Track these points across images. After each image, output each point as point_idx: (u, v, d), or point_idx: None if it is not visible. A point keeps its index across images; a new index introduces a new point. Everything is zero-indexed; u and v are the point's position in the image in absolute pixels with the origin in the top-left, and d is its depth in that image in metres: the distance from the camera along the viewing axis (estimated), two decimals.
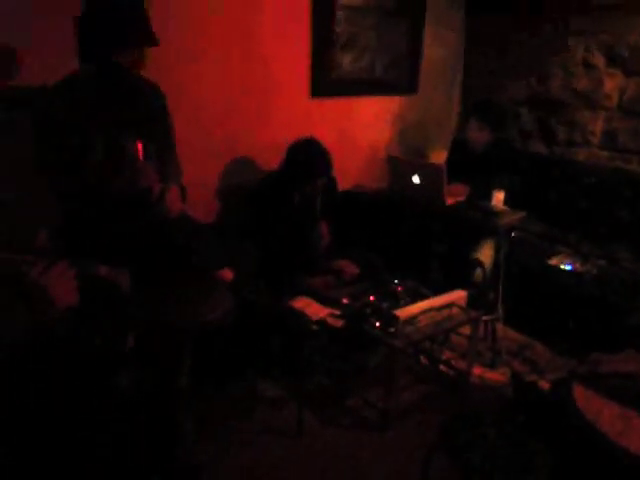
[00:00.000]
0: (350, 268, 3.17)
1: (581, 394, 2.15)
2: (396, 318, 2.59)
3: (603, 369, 2.21)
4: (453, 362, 3.22)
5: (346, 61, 3.86)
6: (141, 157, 2.08)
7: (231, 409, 2.77)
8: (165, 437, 2.00)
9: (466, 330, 3.08)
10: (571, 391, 2.16)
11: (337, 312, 2.74)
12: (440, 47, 4.40)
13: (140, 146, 2.12)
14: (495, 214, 3.21)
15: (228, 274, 2.25)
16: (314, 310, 2.71)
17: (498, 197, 3.26)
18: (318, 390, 2.97)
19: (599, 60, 3.85)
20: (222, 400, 2.78)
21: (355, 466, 2.51)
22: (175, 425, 2.07)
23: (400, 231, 3.57)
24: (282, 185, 3.06)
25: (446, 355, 3.31)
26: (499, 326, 3.45)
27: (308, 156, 2.99)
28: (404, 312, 2.64)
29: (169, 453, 2.12)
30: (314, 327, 2.62)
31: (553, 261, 3.51)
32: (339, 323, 2.67)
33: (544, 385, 2.95)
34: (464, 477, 1.91)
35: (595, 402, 2.10)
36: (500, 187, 3.30)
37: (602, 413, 2.04)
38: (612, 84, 3.80)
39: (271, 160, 3.28)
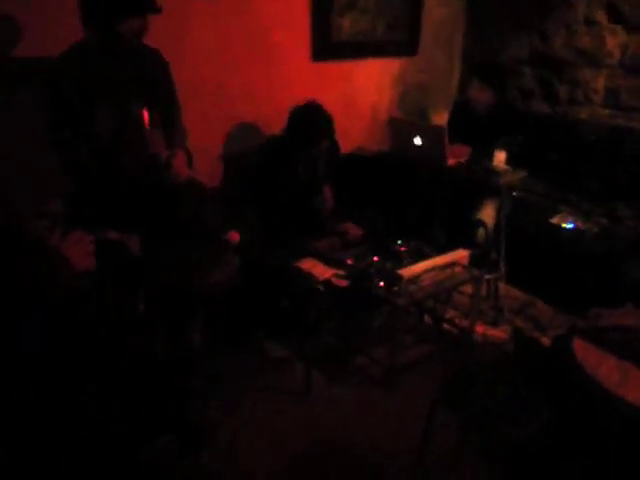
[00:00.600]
0: (354, 230, 3.22)
1: (581, 347, 2.20)
2: (399, 277, 2.63)
3: (602, 323, 2.26)
4: (456, 320, 3.27)
5: (346, 24, 3.83)
6: (147, 124, 2.10)
7: (241, 368, 2.84)
8: (178, 395, 2.07)
9: (469, 289, 3.13)
10: (571, 345, 2.21)
11: (342, 272, 2.78)
12: (441, 7, 4.36)
13: (146, 113, 2.14)
14: (496, 173, 3.23)
15: (235, 236, 2.30)
16: (319, 271, 2.75)
17: (499, 157, 3.27)
18: (324, 349, 3.04)
19: (601, 17, 3.81)
20: (232, 360, 2.84)
21: (362, 422, 2.59)
22: (188, 383, 2.14)
23: (403, 192, 3.59)
24: (285, 150, 3.08)
25: (449, 314, 3.36)
26: (501, 285, 3.50)
27: (310, 119, 3.00)
28: (407, 271, 2.68)
29: (182, 411, 2.20)
30: (320, 287, 2.67)
31: (555, 220, 3.53)
32: (344, 283, 2.72)
33: (545, 342, 3.01)
34: (464, 429, 1.98)
35: (594, 355, 2.16)
36: (502, 147, 3.31)
37: (601, 365, 2.09)
38: (614, 41, 3.77)
39: (274, 125, 3.30)
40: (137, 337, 1.85)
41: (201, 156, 2.99)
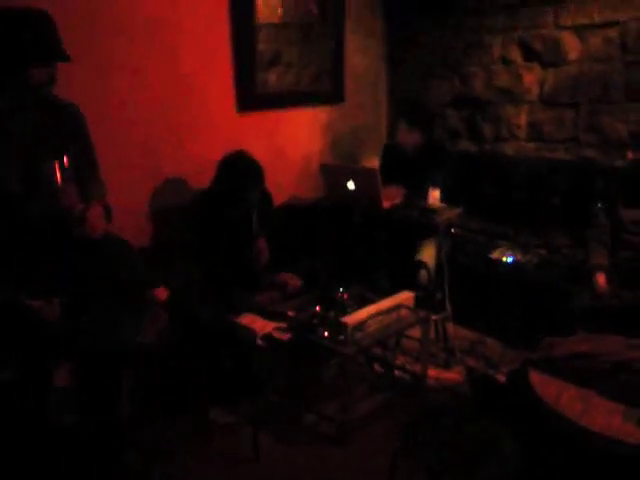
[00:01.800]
0: (293, 281, 3.10)
1: (538, 380, 2.12)
2: (344, 325, 2.51)
3: (556, 353, 2.20)
4: (407, 366, 3.15)
5: (271, 77, 3.85)
6: (60, 178, 1.95)
7: (185, 437, 2.60)
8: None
9: (417, 333, 3.03)
10: (527, 378, 2.13)
11: (283, 325, 2.64)
12: (363, 55, 4.44)
13: (57, 166, 1.99)
14: (433, 211, 3.20)
15: (162, 293, 2.13)
16: (260, 326, 2.60)
17: (434, 195, 3.25)
18: (272, 409, 2.85)
19: (516, 56, 3.93)
20: (174, 429, 2.61)
21: None
22: (118, 457, 1.92)
23: (341, 239, 3.51)
24: (215, 202, 2.97)
25: (399, 360, 3.24)
26: (449, 325, 3.42)
27: (238, 168, 2.92)
28: (352, 318, 2.56)
29: None
30: (260, 342, 2.51)
31: (494, 255, 3.52)
32: (286, 336, 2.57)
33: (501, 378, 2.92)
34: (429, 475, 1.84)
35: (553, 386, 2.08)
36: (435, 185, 3.29)
37: (561, 396, 2.02)
38: (531, 77, 3.89)
39: (202, 179, 3.18)
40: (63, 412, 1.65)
41: (127, 214, 2.88)
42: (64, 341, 1.79)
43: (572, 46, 3.63)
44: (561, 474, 1.90)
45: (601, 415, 1.90)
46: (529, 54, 3.86)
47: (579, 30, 3.59)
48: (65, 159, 1.97)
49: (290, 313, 2.76)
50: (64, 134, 2.10)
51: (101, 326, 1.85)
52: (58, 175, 1.95)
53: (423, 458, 1.79)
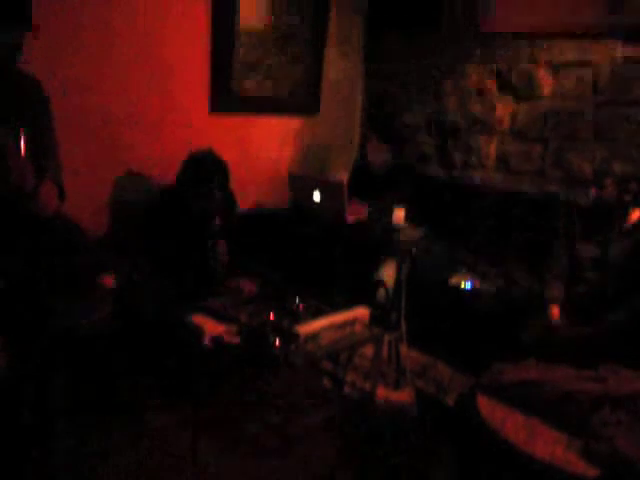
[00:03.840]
0: (249, 287, 3.03)
1: (485, 404, 2.12)
2: (296, 335, 2.46)
3: (505, 378, 2.19)
4: (357, 383, 3.11)
5: (248, 82, 3.84)
6: (11, 152, 1.86)
7: (117, 438, 2.50)
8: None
9: (369, 352, 2.99)
10: (475, 402, 2.12)
11: (234, 329, 2.57)
12: (341, 70, 4.44)
13: (11, 144, 1.91)
14: (396, 230, 3.19)
15: (108, 280, 2.05)
16: (210, 327, 2.52)
17: (399, 214, 3.25)
18: (213, 416, 2.76)
19: (491, 85, 3.99)
20: (107, 428, 2.51)
21: None
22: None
23: (301, 250, 3.47)
24: (178, 198, 2.91)
25: (350, 376, 3.20)
26: (402, 346, 3.39)
27: (205, 163, 2.88)
28: (305, 328, 2.51)
29: None
30: (208, 344, 2.43)
31: (453, 280, 3.52)
32: (236, 340, 2.50)
33: (449, 402, 2.91)
34: None
35: (499, 411, 2.08)
36: (400, 205, 3.29)
37: (506, 422, 2.01)
38: (504, 109, 3.94)
39: (166, 174, 3.13)
40: None
41: (86, 201, 2.82)
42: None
43: (546, 82, 3.70)
44: None
45: (545, 443, 1.90)
46: (504, 85, 3.92)
47: (553, 67, 3.66)
48: (21, 133, 1.89)
49: (242, 318, 2.69)
50: (23, 107, 2.01)
51: (43, 308, 1.77)
52: (11, 152, 1.87)
53: (364, 474, 1.74)
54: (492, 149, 4.03)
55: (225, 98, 3.67)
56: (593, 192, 2.85)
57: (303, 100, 4.23)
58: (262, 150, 4.01)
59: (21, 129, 1.88)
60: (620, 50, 3.37)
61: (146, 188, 3.28)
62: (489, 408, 2.09)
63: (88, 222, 2.40)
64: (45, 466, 1.91)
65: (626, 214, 2.79)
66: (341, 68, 4.44)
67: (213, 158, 2.92)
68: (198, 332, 2.43)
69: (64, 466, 1.96)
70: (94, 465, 2.29)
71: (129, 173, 3.30)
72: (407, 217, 3.28)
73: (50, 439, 1.91)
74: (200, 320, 2.60)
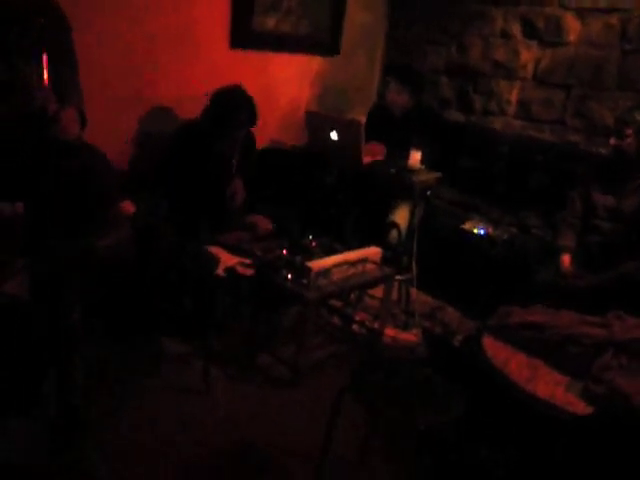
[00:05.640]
0: (264, 224, 3.08)
1: (490, 344, 2.16)
2: (308, 269, 2.51)
3: (512, 321, 2.23)
4: (366, 322, 3.18)
5: (270, 20, 3.77)
6: (35, 77, 1.88)
7: (134, 364, 2.60)
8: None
9: (379, 292, 3.05)
10: (481, 342, 2.17)
11: (248, 262, 2.62)
12: (364, 11, 4.35)
13: (35, 70, 1.92)
14: (411, 172, 3.18)
15: (129, 206, 2.09)
16: (224, 258, 2.58)
17: (415, 156, 3.23)
18: (227, 347, 2.85)
19: (516, 30, 3.89)
20: (124, 353, 2.60)
21: (264, 421, 2.41)
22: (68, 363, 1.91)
23: (316, 188, 3.49)
24: (200, 133, 2.91)
25: (359, 316, 3.27)
26: (412, 289, 3.44)
27: (235, 103, 2.87)
28: (317, 264, 2.56)
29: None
30: (222, 273, 2.48)
31: (466, 225, 3.53)
32: (249, 272, 2.56)
33: (456, 343, 2.97)
34: (370, 417, 1.87)
35: (504, 352, 2.12)
36: (417, 147, 3.27)
37: (510, 362, 2.06)
38: (528, 55, 3.86)
39: (188, 110, 3.15)
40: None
41: (109, 135, 2.83)
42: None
43: (572, 27, 3.60)
44: (504, 432, 1.95)
45: (546, 384, 1.95)
46: (529, 31, 3.83)
47: (581, 13, 3.56)
48: (44, 59, 1.90)
49: (257, 253, 2.74)
50: (50, 41, 2.01)
51: (64, 231, 1.82)
52: (34, 75, 1.88)
53: (367, 397, 1.81)
54: (514, 95, 3.96)
55: (246, 33, 3.61)
56: (612, 142, 2.81)
57: (324, 40, 4.16)
58: (281, 87, 3.97)
59: (44, 57, 1.89)
60: None
61: (169, 123, 3.26)
62: (494, 348, 2.13)
63: (110, 155, 2.41)
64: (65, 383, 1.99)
65: None
66: (365, 10, 4.35)
67: (243, 95, 2.90)
68: (213, 259, 2.47)
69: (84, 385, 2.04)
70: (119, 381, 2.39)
71: (151, 109, 3.30)
72: (423, 160, 3.27)
73: (69, 358, 1.98)
74: (215, 251, 2.65)
